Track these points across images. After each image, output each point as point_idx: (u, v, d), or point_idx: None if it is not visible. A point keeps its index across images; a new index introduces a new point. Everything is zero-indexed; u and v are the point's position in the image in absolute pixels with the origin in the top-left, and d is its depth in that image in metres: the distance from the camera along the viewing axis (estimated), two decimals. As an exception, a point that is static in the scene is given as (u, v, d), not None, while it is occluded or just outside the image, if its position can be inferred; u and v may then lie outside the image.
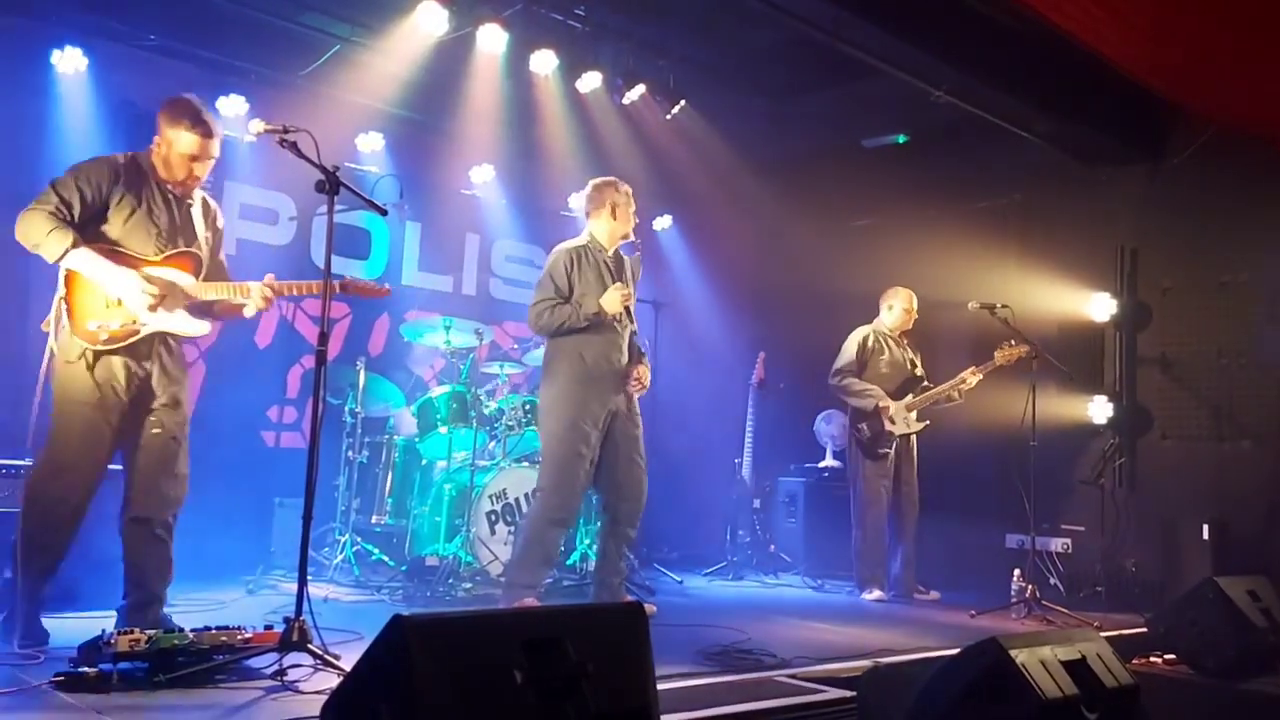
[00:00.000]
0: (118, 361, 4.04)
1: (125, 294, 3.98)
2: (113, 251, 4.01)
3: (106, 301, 3.99)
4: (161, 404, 4.17)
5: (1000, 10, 6.24)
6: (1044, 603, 6.03)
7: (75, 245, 3.89)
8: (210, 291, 4.23)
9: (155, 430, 4.15)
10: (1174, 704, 4.67)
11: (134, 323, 4.03)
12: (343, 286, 4.34)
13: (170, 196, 4.21)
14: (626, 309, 5.32)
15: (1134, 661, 4.91)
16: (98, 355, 3.99)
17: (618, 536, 5.28)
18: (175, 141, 4.11)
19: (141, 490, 4.13)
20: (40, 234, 3.87)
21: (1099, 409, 7.41)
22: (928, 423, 6.84)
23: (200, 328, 4.29)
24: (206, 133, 4.14)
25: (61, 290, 3.95)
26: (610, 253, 5.42)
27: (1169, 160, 7.35)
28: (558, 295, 5.23)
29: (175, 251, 4.17)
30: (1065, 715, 3.15)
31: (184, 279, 4.17)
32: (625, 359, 5.34)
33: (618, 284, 5.25)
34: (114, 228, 4.05)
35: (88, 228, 3.99)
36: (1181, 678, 4.87)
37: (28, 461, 4.95)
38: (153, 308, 4.04)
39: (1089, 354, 7.56)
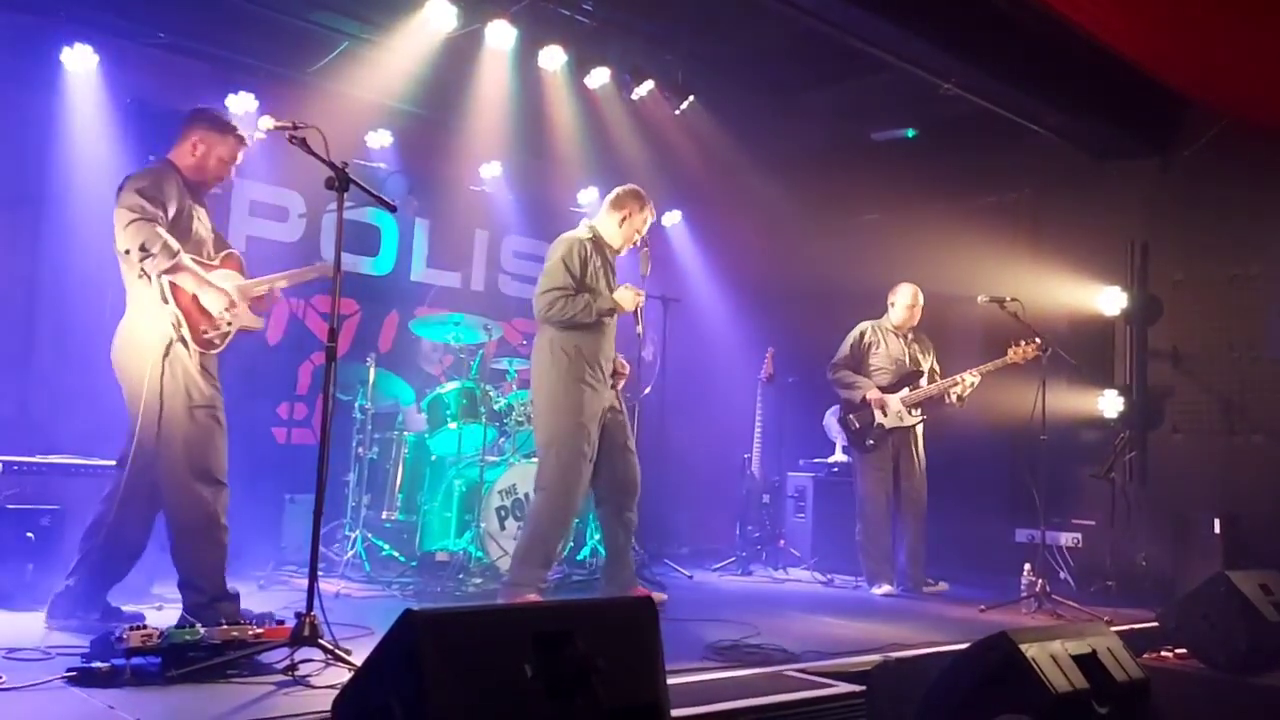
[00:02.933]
0: (213, 363, 4.28)
1: (216, 310, 4.18)
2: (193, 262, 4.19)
3: (204, 309, 4.18)
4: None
5: (1010, 3, 6.22)
6: (1054, 597, 6.02)
7: (180, 259, 4.06)
8: (259, 288, 4.47)
9: None
10: (1185, 698, 4.66)
11: (228, 325, 4.26)
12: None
13: (201, 200, 4.42)
14: (637, 317, 5.34)
15: (1145, 656, 4.90)
16: (206, 358, 4.21)
17: (623, 525, 5.26)
18: (216, 145, 4.32)
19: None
20: (156, 244, 3.99)
21: (1109, 403, 7.40)
22: (924, 418, 6.83)
23: (261, 322, 4.54)
24: (244, 142, 4.43)
25: (173, 303, 4.08)
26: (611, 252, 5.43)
27: (1179, 154, 7.33)
28: (573, 286, 5.15)
29: (225, 253, 4.42)
30: (1076, 709, 3.15)
31: (238, 279, 4.39)
32: (613, 355, 5.37)
33: (629, 286, 5.28)
34: (183, 236, 4.20)
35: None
36: (1193, 672, 4.86)
37: (56, 459, 5.01)
38: (236, 313, 4.27)
39: (1099, 348, 7.55)
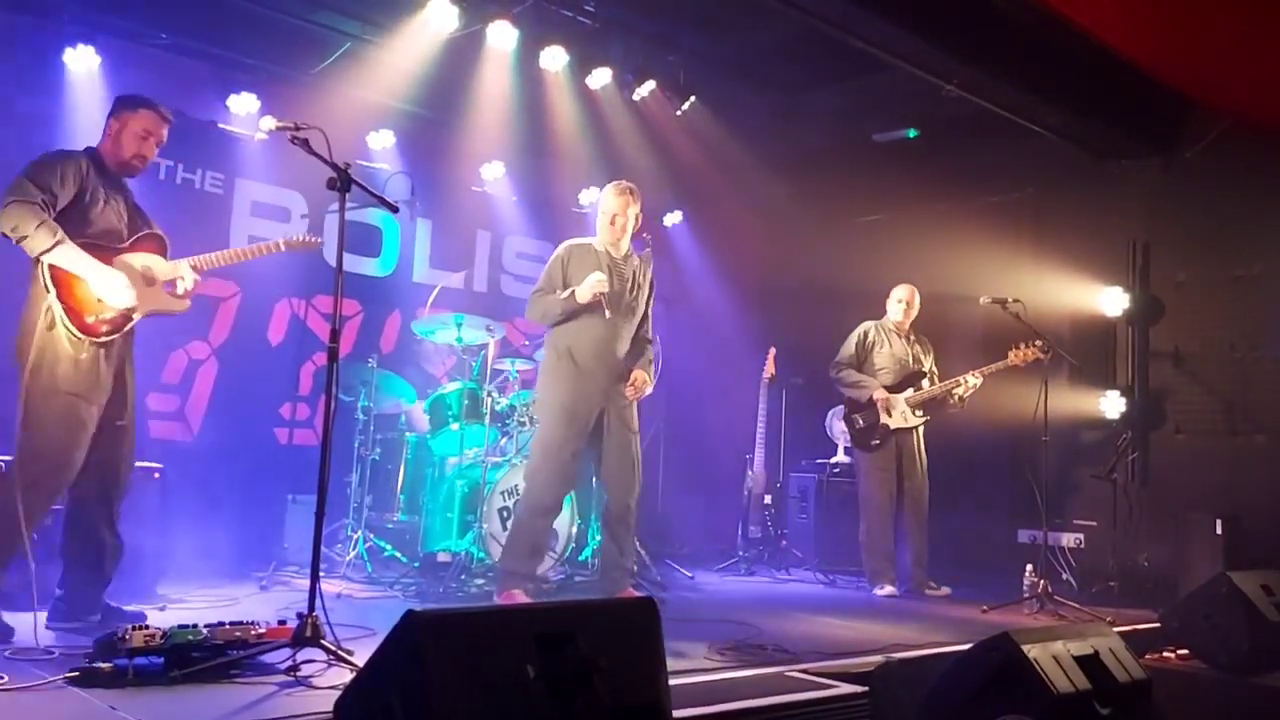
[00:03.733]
0: (107, 351, 4.12)
1: (107, 293, 4.05)
2: (89, 245, 4.06)
3: (96, 295, 4.06)
4: (129, 393, 4.28)
5: (1011, 3, 6.22)
6: (1056, 598, 6.01)
7: (61, 241, 3.95)
8: (178, 270, 4.33)
9: (120, 421, 4.23)
10: (1187, 699, 4.66)
11: (127, 308, 4.12)
12: (286, 245, 4.70)
13: (122, 186, 4.33)
14: (631, 308, 5.38)
15: (1147, 656, 4.90)
16: (95, 347, 4.06)
17: (610, 533, 5.36)
18: (130, 120, 4.27)
19: (108, 477, 4.21)
20: (29, 226, 3.90)
21: (1111, 404, 7.40)
22: (927, 418, 6.83)
23: (184, 304, 4.38)
24: (161, 114, 4.34)
25: (53, 289, 3.98)
26: (620, 254, 5.44)
27: (1182, 154, 7.33)
28: (548, 287, 5.34)
29: (142, 234, 4.30)
30: (1078, 710, 3.15)
31: (155, 261, 4.29)
32: (621, 357, 5.37)
33: (595, 273, 5.25)
34: (87, 219, 4.12)
35: (63, 219, 4.03)
36: (1194, 672, 4.86)
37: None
38: (133, 299, 4.10)
39: (1101, 348, 7.55)
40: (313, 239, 4.83)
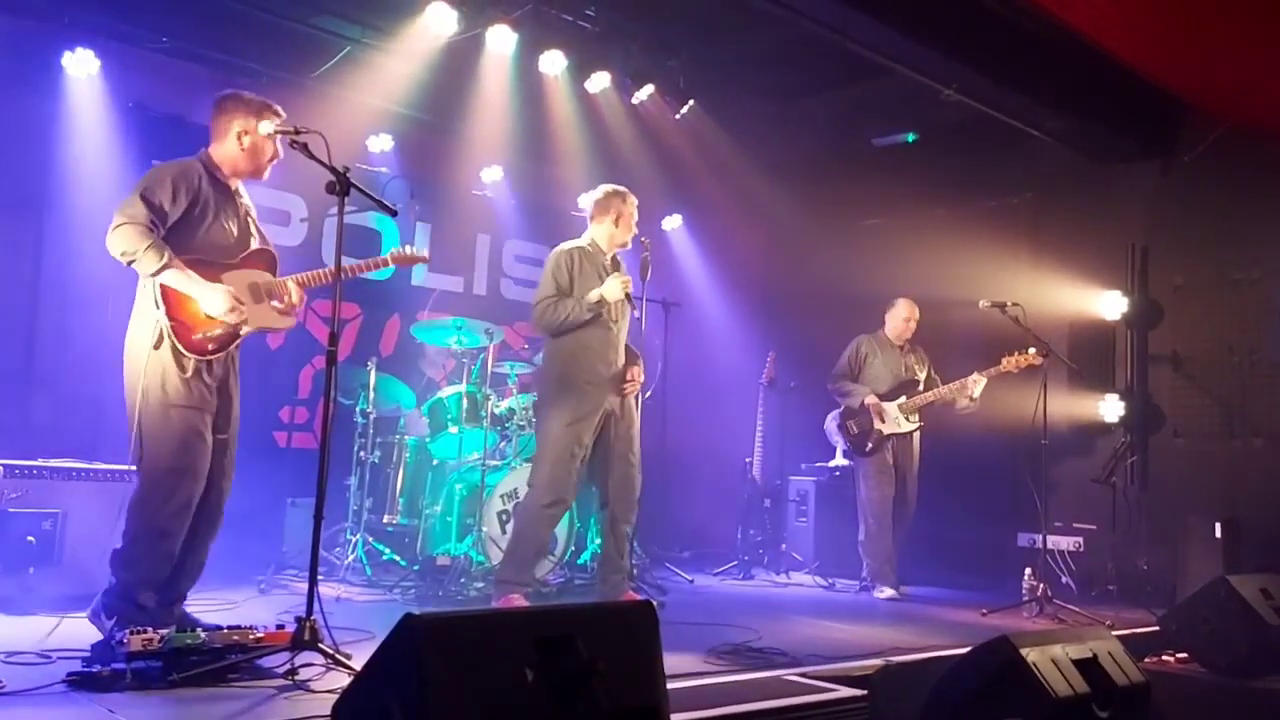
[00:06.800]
0: (210, 366, 4.10)
1: (215, 311, 4.01)
2: (198, 261, 4.03)
3: (205, 313, 4.03)
4: (234, 408, 4.25)
5: (1010, 8, 6.23)
6: (1055, 601, 6.03)
7: (170, 262, 3.92)
8: (284, 287, 4.28)
9: (222, 436, 4.19)
10: (1186, 702, 4.66)
11: (234, 326, 4.09)
12: (393, 259, 4.64)
13: (232, 196, 4.27)
14: (629, 303, 5.40)
15: (1146, 660, 4.89)
16: (200, 363, 4.04)
17: (615, 533, 5.36)
18: (261, 127, 4.21)
19: (205, 490, 4.15)
20: (137, 249, 3.88)
21: (1110, 407, 7.40)
22: (921, 424, 6.87)
23: (289, 320, 4.34)
24: (279, 112, 4.30)
25: (162, 307, 3.96)
26: (609, 257, 5.48)
27: (1180, 157, 7.34)
28: (559, 293, 5.29)
29: (251, 251, 4.26)
30: (1077, 714, 3.15)
31: (263, 277, 4.25)
32: (620, 361, 5.40)
33: (617, 273, 5.31)
34: (196, 234, 4.09)
35: (173, 234, 4.02)
36: (1193, 676, 4.86)
37: (58, 463, 4.99)
38: (241, 315, 4.07)
39: (1100, 352, 7.55)
40: (419, 253, 4.76)
